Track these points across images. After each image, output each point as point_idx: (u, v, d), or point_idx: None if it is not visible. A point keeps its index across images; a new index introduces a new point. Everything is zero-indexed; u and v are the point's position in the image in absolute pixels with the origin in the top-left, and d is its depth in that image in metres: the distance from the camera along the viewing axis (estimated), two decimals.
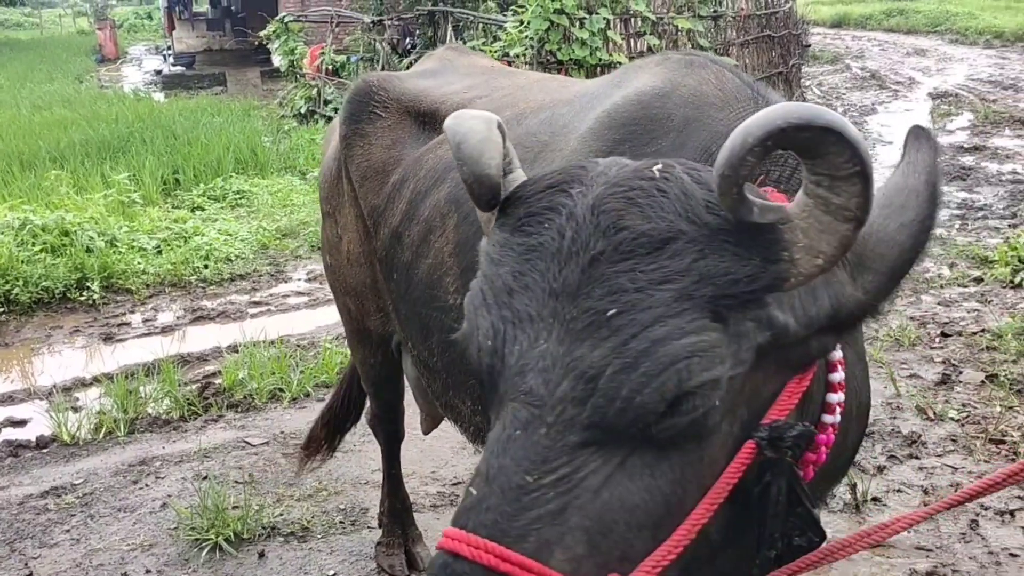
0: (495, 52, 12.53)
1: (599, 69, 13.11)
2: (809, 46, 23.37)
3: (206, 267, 9.03)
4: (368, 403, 4.05)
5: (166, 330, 7.73)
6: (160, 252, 9.35)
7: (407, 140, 3.12)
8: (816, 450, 1.66)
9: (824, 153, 1.34)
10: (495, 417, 1.43)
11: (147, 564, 4.16)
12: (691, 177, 1.44)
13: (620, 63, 15.19)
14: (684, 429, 1.36)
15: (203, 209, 11.34)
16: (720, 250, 1.35)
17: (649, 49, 13.58)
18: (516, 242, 1.47)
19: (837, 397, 1.68)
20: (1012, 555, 3.88)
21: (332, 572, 4.05)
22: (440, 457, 4.91)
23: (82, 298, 8.15)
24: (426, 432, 3.80)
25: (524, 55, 12.35)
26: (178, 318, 7.97)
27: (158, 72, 25.88)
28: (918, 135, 1.59)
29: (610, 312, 1.33)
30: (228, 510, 4.43)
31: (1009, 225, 8.87)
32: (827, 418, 1.68)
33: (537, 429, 1.34)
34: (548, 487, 1.32)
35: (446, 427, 3.89)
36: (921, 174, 1.51)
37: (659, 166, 1.48)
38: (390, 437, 4.03)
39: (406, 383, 3.83)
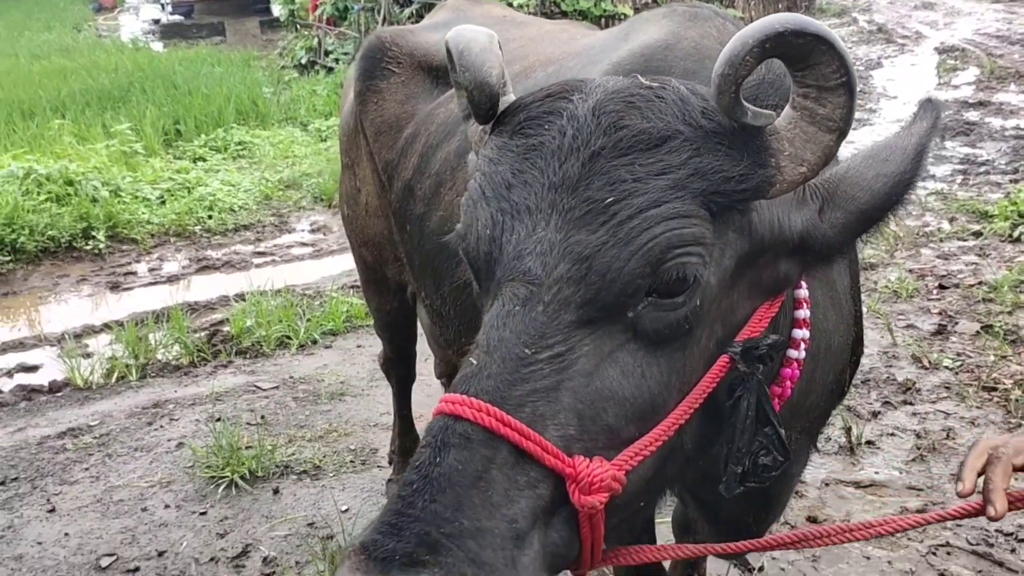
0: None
1: (603, 20, 13.06)
2: None
3: (210, 217, 9.11)
4: (382, 347, 4.15)
5: (172, 279, 7.83)
6: (164, 202, 9.41)
7: (420, 95, 3.18)
8: (781, 383, 1.77)
9: (814, 63, 1.45)
10: (491, 300, 1.50)
11: (166, 500, 4.30)
12: (687, 88, 1.55)
13: (625, 14, 15.12)
14: (671, 326, 1.44)
15: (205, 160, 11.38)
16: (714, 150, 1.45)
17: (654, 0, 13.50)
18: (515, 143, 1.56)
19: (802, 333, 1.77)
20: None
21: (345, 507, 4.19)
22: None
23: (88, 247, 8.24)
24: (439, 376, 3.92)
25: (528, 4, 12.28)
26: (183, 267, 8.07)
27: (156, 21, 25.64)
28: (926, 107, 1.69)
29: (608, 200, 1.42)
30: (242, 450, 4.57)
31: (1010, 180, 8.91)
32: (792, 353, 1.77)
33: (535, 306, 1.41)
34: (544, 362, 1.39)
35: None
36: (914, 137, 1.62)
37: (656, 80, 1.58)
38: (402, 380, 4.14)
39: (419, 329, 3.94)
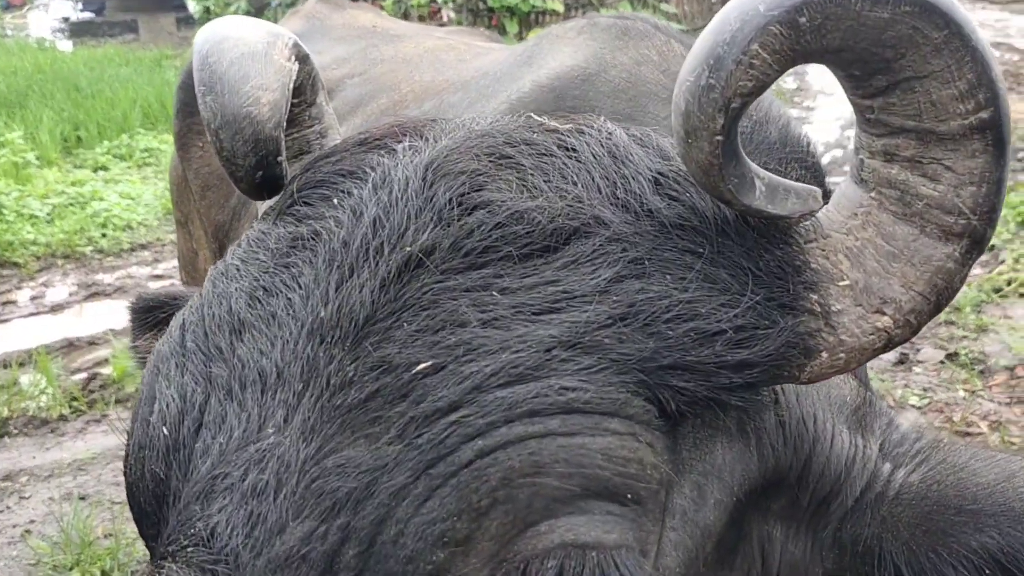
0: None
1: (533, 16, 12.44)
2: None
3: (104, 236, 8.37)
4: None
5: (56, 308, 7.05)
6: (52, 220, 8.57)
7: None
8: None
9: (921, 73, 0.66)
10: None
11: None
12: (631, 136, 0.82)
13: (556, 11, 14.54)
14: None
15: (107, 169, 10.60)
16: (675, 266, 0.71)
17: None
18: (276, 234, 0.82)
19: None
20: None
21: None
22: None
23: None
24: None
25: (452, 1, 11.60)
26: (70, 294, 7.29)
27: (66, 19, 24.30)
28: None
29: (421, 366, 0.68)
30: (98, 540, 3.82)
31: None
32: None
33: None
34: None
35: None
36: None
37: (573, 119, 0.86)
38: None
39: None
